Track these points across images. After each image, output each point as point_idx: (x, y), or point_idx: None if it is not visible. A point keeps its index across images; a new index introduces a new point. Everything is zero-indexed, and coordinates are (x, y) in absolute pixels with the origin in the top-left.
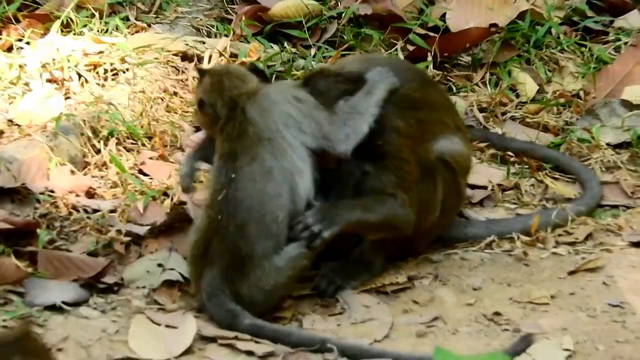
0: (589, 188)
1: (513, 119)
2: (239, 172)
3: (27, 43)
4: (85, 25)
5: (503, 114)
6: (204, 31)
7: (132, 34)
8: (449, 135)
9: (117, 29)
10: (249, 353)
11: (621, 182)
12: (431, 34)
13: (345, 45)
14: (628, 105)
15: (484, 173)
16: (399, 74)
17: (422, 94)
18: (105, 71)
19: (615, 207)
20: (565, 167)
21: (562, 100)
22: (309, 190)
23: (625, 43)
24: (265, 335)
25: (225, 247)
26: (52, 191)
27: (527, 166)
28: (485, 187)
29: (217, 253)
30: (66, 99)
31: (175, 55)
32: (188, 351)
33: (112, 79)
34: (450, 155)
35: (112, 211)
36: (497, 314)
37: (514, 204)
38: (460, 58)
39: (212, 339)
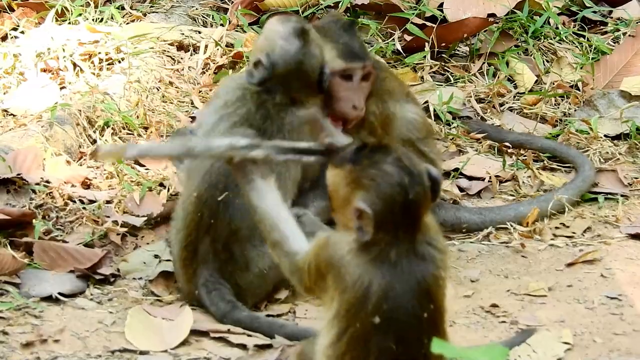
0: (582, 171)
1: (511, 109)
2: None
3: (22, 32)
4: (80, 14)
5: (501, 104)
6: (199, 20)
7: (128, 23)
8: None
9: (112, 18)
10: (242, 346)
11: (619, 171)
12: (428, 23)
13: None
14: (627, 96)
15: (482, 164)
16: None
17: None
18: (101, 61)
19: (613, 198)
20: (562, 157)
21: (560, 91)
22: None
23: (624, 33)
24: (259, 326)
25: (219, 248)
26: (47, 182)
27: (523, 158)
28: (482, 179)
29: (210, 253)
30: (61, 88)
31: (171, 44)
32: (184, 343)
33: (108, 69)
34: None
35: (108, 202)
36: (494, 306)
37: (512, 195)
38: (458, 48)
39: (206, 332)
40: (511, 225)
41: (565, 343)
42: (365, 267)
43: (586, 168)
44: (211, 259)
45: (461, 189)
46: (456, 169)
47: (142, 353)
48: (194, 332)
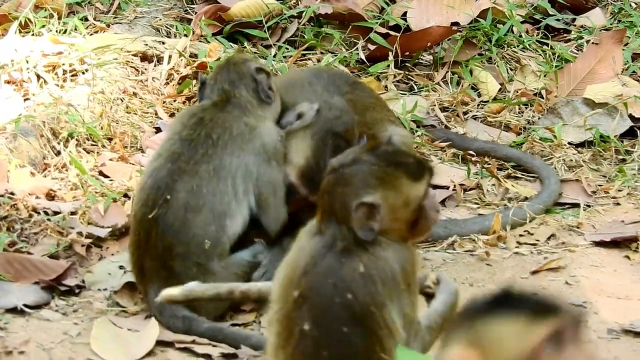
0: (547, 185)
1: (475, 118)
2: (173, 195)
3: None
4: (43, 26)
5: (465, 113)
6: (163, 31)
7: (91, 34)
8: (391, 128)
9: (75, 29)
10: (207, 356)
11: (582, 180)
12: (392, 32)
13: (306, 45)
14: (590, 103)
15: (446, 173)
16: (327, 85)
17: (355, 96)
18: (64, 72)
19: (577, 205)
20: (526, 166)
21: (524, 99)
22: (237, 231)
23: (588, 41)
24: (224, 338)
25: (159, 265)
26: (12, 193)
27: (487, 166)
28: (447, 187)
29: (152, 270)
30: (25, 100)
31: (135, 55)
32: (150, 354)
33: (71, 80)
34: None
35: (72, 213)
36: None
37: (476, 203)
38: (422, 57)
39: (171, 343)
40: (475, 235)
41: None
42: (302, 246)
43: (552, 182)
44: (155, 277)
45: None
46: None
47: None
48: (160, 343)
